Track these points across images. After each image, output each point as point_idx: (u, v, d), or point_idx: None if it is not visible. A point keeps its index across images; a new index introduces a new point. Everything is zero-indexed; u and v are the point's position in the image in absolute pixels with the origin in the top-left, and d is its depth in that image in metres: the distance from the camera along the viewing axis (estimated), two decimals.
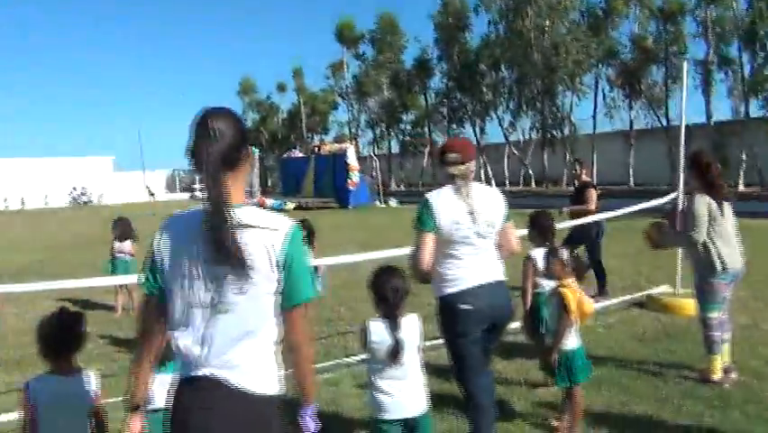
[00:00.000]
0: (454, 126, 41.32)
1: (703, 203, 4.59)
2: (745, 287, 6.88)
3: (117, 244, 8.09)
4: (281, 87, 61.90)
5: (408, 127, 44.92)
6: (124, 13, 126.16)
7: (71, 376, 2.64)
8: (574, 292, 3.96)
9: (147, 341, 1.97)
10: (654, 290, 7.57)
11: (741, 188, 26.23)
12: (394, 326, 3.03)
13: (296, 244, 1.93)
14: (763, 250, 9.77)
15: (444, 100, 41.64)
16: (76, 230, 22.83)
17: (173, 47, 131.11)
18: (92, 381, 2.66)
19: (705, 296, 4.69)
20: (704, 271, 4.63)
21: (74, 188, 52.92)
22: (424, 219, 3.35)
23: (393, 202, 32.17)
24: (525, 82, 34.28)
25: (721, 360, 4.75)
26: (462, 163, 3.47)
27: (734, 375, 4.75)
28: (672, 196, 7.70)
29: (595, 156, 32.66)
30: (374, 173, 33.69)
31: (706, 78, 28.17)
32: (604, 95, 33.06)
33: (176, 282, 1.85)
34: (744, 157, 26.76)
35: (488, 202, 3.47)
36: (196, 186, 61.67)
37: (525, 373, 5.13)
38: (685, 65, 7.80)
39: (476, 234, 3.35)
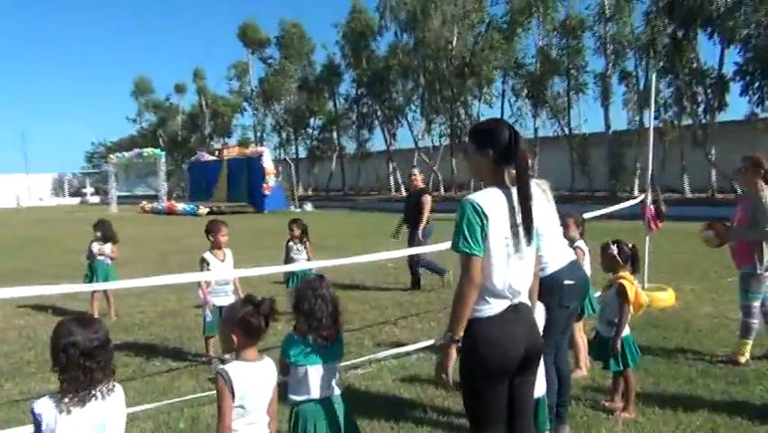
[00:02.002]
0: (364, 132, 41.72)
1: None
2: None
3: (98, 247, 7.72)
4: (180, 89, 60.08)
5: (316, 132, 44.85)
6: (7, 8, 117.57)
7: (260, 362, 2.67)
8: (632, 283, 4.29)
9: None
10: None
11: (636, 192, 28.22)
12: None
13: None
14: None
15: (354, 106, 41.97)
16: None
17: (61, 45, 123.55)
18: (273, 366, 2.72)
19: (752, 285, 5.19)
20: (759, 263, 5.13)
21: None
22: None
23: (308, 206, 32.10)
24: (435, 90, 35.21)
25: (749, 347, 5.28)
26: None
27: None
28: (640, 198, 8.44)
29: None
30: (291, 178, 33.49)
31: (605, 90, 30.13)
32: (510, 104, 34.59)
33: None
34: (638, 164, 28.82)
35: None
36: (87, 190, 58.58)
37: None
38: (653, 78, 8.44)
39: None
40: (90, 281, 7.61)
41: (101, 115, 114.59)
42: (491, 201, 2.66)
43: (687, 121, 27.84)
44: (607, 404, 4.42)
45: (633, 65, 29.53)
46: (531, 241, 2.72)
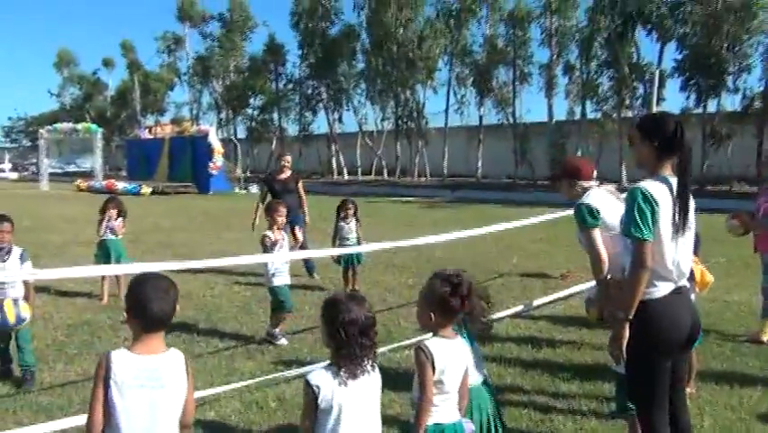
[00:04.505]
0: (307, 114, 41.30)
1: None
2: None
3: (109, 223, 7.48)
4: (108, 63, 57.54)
5: (256, 113, 43.99)
6: None
7: (456, 339, 2.85)
8: (697, 263, 4.59)
9: None
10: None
11: None
12: None
13: None
14: None
15: (297, 87, 41.44)
16: None
17: None
18: (466, 346, 2.90)
19: None
20: None
21: None
22: None
23: (254, 188, 31.60)
24: (382, 73, 35.27)
25: None
26: None
27: None
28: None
29: (446, 149, 34.57)
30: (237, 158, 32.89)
31: (549, 81, 31.03)
32: (455, 92, 35.06)
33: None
34: (579, 153, 29.90)
35: None
36: (4, 165, 55.46)
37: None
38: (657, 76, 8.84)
39: None
40: (103, 261, 7.37)
41: (20, 89, 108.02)
42: (659, 189, 2.85)
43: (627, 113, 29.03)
44: None
45: (576, 57, 30.50)
46: (688, 227, 2.93)
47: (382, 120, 37.67)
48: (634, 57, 28.31)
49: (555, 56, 30.72)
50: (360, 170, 38.44)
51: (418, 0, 33.66)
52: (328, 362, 2.45)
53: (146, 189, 28.17)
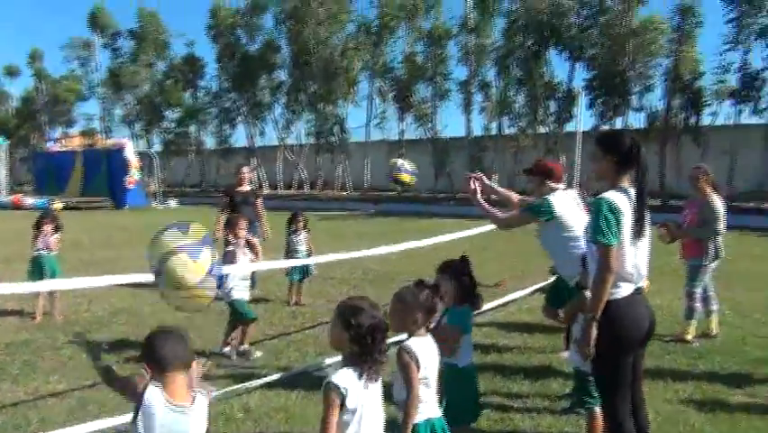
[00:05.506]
0: (226, 128, 40.70)
1: (721, 204, 6.02)
2: None
3: (44, 240, 7.23)
4: (11, 72, 54.68)
5: (173, 126, 42.94)
6: None
7: (428, 336, 3.13)
8: None
9: None
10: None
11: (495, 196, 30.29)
12: None
13: None
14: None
15: (214, 100, 40.77)
16: None
17: None
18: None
19: (697, 275, 6.14)
20: (705, 256, 6.06)
21: None
22: None
23: (173, 203, 30.92)
24: (302, 87, 35.31)
25: (695, 327, 6.25)
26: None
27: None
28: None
29: (368, 163, 34.92)
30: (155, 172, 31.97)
31: (467, 97, 31.99)
32: (375, 106, 35.52)
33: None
34: (495, 168, 30.94)
35: None
36: None
37: None
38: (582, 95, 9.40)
39: None
40: (37, 278, 7.12)
41: None
42: (621, 199, 3.17)
43: (540, 129, 30.27)
44: None
45: (492, 75, 31.61)
46: (645, 233, 3.26)
47: (308, 135, 37.60)
48: (547, 76, 29.61)
49: (473, 73, 31.70)
50: (281, 183, 38.20)
51: (339, 15, 33.96)
52: (342, 365, 2.56)
53: (58, 205, 26.88)
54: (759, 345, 6.20)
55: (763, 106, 25.03)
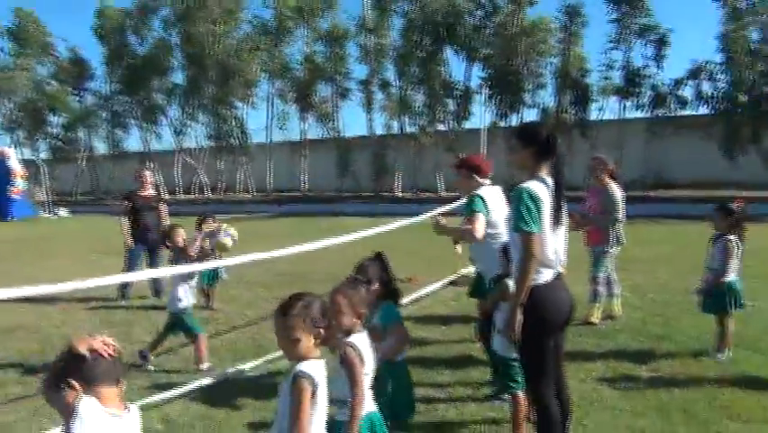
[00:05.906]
0: (119, 132, 38.94)
1: (619, 193, 6.32)
2: None
3: None
4: None
5: (60, 131, 40.56)
6: None
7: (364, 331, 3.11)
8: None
9: None
10: (463, 270, 9.25)
11: (399, 193, 30.69)
12: None
13: None
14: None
15: (105, 103, 38.90)
16: None
17: None
18: None
19: (601, 261, 6.44)
20: (608, 243, 6.35)
21: None
22: None
23: (63, 212, 29.26)
24: (198, 89, 34.32)
25: (601, 310, 6.57)
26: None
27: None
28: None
29: (271, 165, 34.42)
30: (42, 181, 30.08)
31: (368, 96, 32.18)
32: (276, 107, 35.05)
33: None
34: (397, 165, 31.32)
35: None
36: None
37: None
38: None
39: None
40: None
41: None
42: (540, 188, 3.28)
43: (440, 127, 30.89)
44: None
45: (391, 74, 31.96)
46: (563, 221, 3.39)
47: (208, 138, 36.52)
48: (444, 75, 30.24)
49: (373, 72, 31.92)
50: (180, 188, 36.98)
51: (233, 14, 33.29)
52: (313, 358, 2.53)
53: None
54: (657, 323, 6.61)
55: (645, 101, 26.82)
